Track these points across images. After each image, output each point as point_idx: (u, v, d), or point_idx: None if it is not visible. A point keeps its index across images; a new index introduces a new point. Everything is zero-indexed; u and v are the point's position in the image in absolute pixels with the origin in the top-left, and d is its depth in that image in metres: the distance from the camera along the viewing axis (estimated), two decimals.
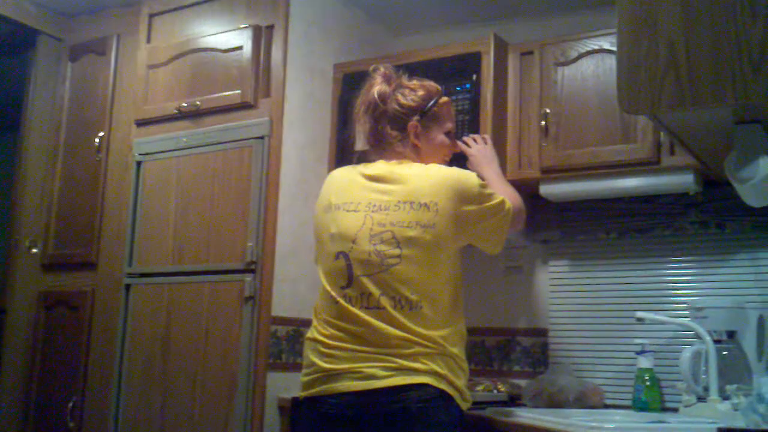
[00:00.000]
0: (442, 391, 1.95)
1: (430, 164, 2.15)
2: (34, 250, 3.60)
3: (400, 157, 2.16)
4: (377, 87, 2.20)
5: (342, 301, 2.00)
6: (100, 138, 3.48)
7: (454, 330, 2.04)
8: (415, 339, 1.95)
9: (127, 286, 3.17)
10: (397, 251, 1.99)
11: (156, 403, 2.97)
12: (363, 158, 2.24)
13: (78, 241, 3.48)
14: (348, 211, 2.07)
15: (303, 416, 2.04)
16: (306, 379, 2.03)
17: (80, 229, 3.48)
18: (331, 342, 1.99)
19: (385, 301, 1.97)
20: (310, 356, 2.04)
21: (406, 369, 1.92)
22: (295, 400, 2.11)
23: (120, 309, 3.17)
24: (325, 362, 1.98)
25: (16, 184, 3.66)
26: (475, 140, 2.55)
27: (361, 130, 2.22)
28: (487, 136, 2.60)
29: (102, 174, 3.46)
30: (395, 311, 1.97)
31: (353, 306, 1.99)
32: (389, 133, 2.18)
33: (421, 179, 2.07)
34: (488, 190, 2.12)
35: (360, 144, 2.25)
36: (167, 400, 2.95)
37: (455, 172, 2.12)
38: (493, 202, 2.11)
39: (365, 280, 1.99)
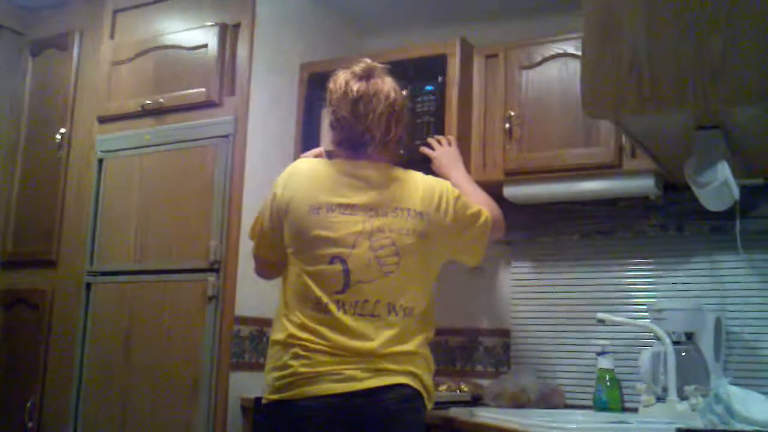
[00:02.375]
0: (417, 391, 1.95)
1: (409, 171, 2.10)
2: None
3: (380, 158, 2.09)
4: (388, 83, 2.08)
5: (333, 308, 1.92)
6: (62, 134, 3.43)
7: (427, 335, 2.04)
8: (400, 346, 1.94)
9: (88, 285, 3.14)
10: (395, 259, 1.96)
11: (116, 404, 2.94)
12: (330, 155, 2.17)
13: (38, 239, 3.42)
14: (344, 213, 1.98)
15: (274, 418, 1.96)
16: (279, 383, 1.94)
17: (40, 226, 3.42)
18: (310, 345, 1.91)
19: (380, 309, 1.94)
20: (284, 359, 1.94)
21: (384, 370, 1.91)
22: (258, 401, 2.05)
23: (80, 308, 3.13)
24: (303, 365, 1.90)
25: None
26: (439, 142, 2.55)
27: (347, 125, 2.06)
28: (452, 138, 2.61)
29: (63, 171, 3.40)
30: (389, 318, 1.94)
31: (345, 313, 1.92)
32: (388, 133, 2.07)
33: (411, 187, 2.05)
34: (464, 199, 2.11)
35: (327, 143, 2.18)
36: (128, 400, 2.92)
37: (436, 182, 2.11)
38: (471, 211, 2.11)
39: (363, 287, 1.94)
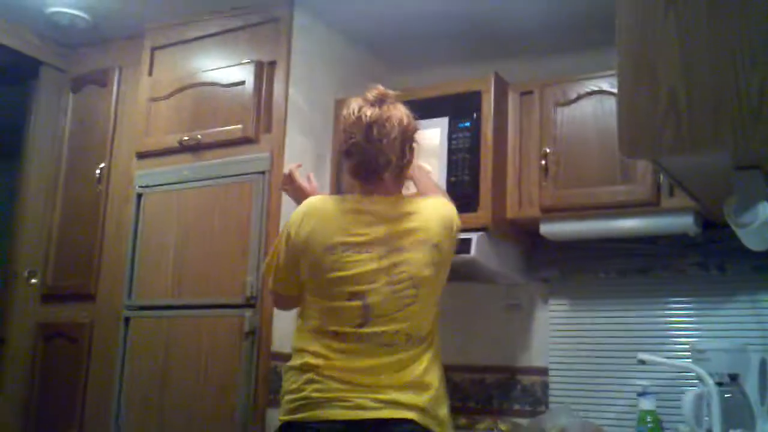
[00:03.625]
0: (426, 429, 1.93)
1: (419, 200, 2.11)
2: (33, 281, 3.59)
3: (394, 187, 2.09)
4: (400, 109, 2.08)
5: (352, 340, 1.95)
6: (101, 169, 3.48)
7: (440, 361, 2.05)
8: (419, 377, 1.96)
9: (126, 319, 3.16)
10: (413, 291, 1.98)
11: None
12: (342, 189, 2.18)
13: (77, 273, 3.47)
14: (360, 252, 1.99)
15: None
16: (292, 405, 1.97)
17: (79, 260, 3.47)
18: (324, 372, 1.95)
19: (398, 338, 1.95)
20: (298, 383, 1.98)
21: (394, 402, 1.91)
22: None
23: (119, 341, 3.15)
24: (315, 390, 1.94)
25: (16, 214, 3.66)
26: None
27: (362, 150, 2.03)
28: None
29: (102, 205, 3.45)
30: (406, 346, 1.96)
31: (361, 344, 1.95)
32: (402, 158, 2.06)
33: (426, 218, 2.04)
34: (460, 224, 2.14)
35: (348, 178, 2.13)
36: None
37: (449, 209, 2.12)
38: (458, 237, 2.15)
39: (382, 321, 1.96)
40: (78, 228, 3.51)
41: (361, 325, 1.96)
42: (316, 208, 2.09)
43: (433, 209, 2.08)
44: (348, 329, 1.96)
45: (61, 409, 3.33)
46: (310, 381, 1.96)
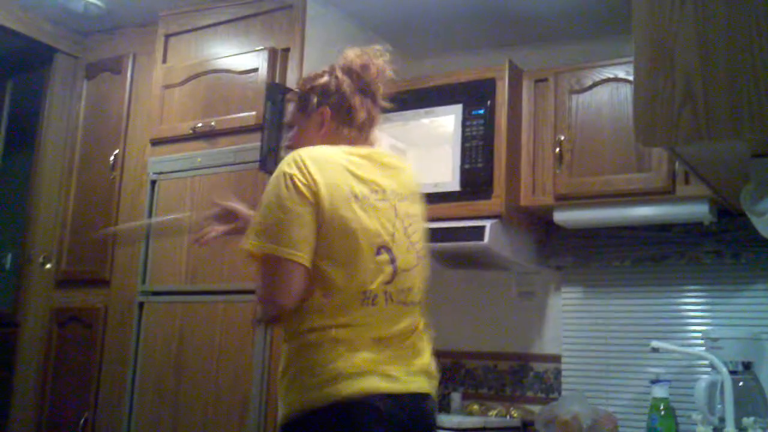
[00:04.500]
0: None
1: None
2: (48, 266, 3.61)
3: (368, 141, 1.99)
4: (378, 60, 2.10)
5: (381, 299, 1.77)
6: (115, 156, 3.50)
7: None
8: (427, 337, 1.89)
9: (141, 304, 3.18)
10: (422, 243, 1.90)
11: (167, 422, 2.97)
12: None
13: (91, 258, 3.48)
14: (379, 200, 1.83)
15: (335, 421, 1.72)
16: (323, 377, 1.72)
17: (94, 245, 3.48)
18: (356, 341, 1.74)
19: (414, 296, 1.85)
20: (329, 355, 1.73)
21: (422, 373, 1.82)
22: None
23: (133, 326, 3.17)
24: (348, 364, 1.72)
25: (31, 200, 3.68)
26: None
27: (357, 109, 1.99)
28: None
29: (116, 192, 3.47)
30: (419, 304, 1.87)
31: (394, 302, 1.79)
32: (376, 114, 2.02)
33: (406, 169, 1.97)
34: None
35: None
36: (179, 419, 2.95)
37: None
38: None
39: (407, 275, 1.83)
40: (92, 214, 3.53)
41: (388, 282, 1.79)
42: (317, 156, 1.81)
43: (405, 161, 2.05)
44: (377, 287, 1.77)
45: (75, 393, 3.36)
46: (340, 354, 1.73)
